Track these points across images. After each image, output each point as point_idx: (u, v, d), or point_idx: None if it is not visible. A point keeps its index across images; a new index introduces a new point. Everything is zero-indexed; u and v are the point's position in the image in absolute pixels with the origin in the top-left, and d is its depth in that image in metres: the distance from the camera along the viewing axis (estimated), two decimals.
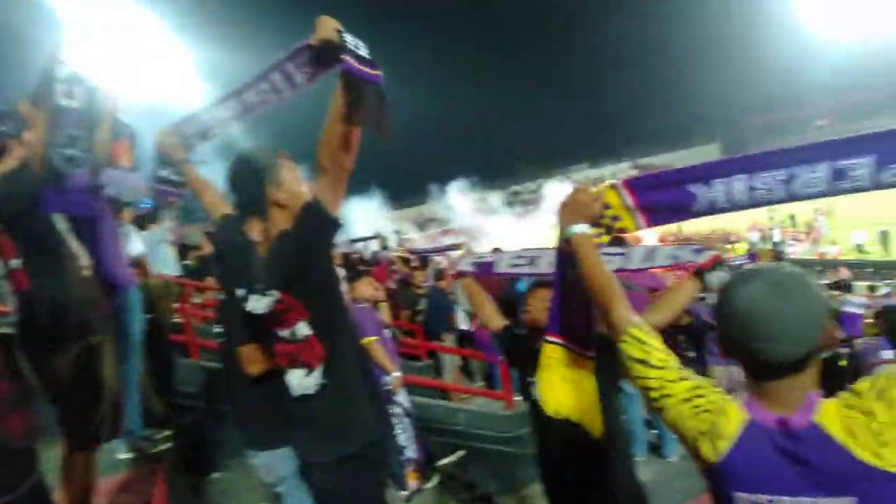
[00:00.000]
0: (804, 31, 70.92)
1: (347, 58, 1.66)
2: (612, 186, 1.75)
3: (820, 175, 1.39)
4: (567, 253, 1.69)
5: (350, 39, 1.71)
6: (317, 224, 1.84)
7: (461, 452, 5.06)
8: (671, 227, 34.27)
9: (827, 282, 19.34)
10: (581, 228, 1.64)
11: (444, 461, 4.94)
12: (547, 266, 2.60)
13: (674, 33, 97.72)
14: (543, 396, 2.05)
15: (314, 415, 1.90)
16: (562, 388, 2.00)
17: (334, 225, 1.87)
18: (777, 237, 27.61)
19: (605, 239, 1.79)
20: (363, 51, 1.72)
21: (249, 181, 1.93)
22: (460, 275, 3.09)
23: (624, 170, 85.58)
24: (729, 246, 29.48)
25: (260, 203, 1.91)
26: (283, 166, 1.96)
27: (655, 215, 1.71)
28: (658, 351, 1.40)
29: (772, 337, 1.18)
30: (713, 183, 1.55)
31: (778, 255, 6.88)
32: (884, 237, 22.25)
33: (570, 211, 1.68)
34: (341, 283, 2.83)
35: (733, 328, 1.25)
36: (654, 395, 1.36)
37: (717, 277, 2.10)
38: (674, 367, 1.38)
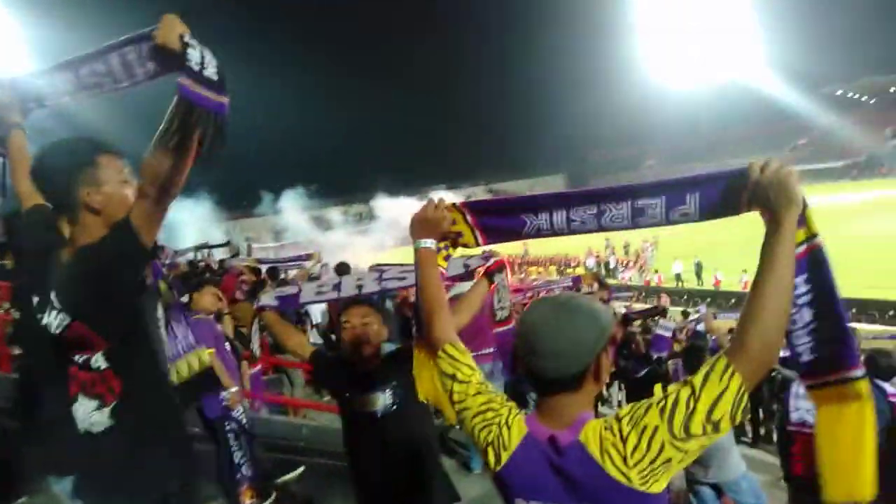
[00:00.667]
0: (646, 77, 79.01)
1: (185, 79, 1.47)
2: (455, 206, 1.87)
3: (623, 211, 1.63)
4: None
5: (195, 55, 1.49)
6: (124, 251, 1.61)
7: (301, 469, 4.90)
8: (518, 250, 35.91)
9: (648, 307, 21.22)
10: (427, 243, 1.76)
11: (283, 478, 4.76)
12: (352, 289, 2.88)
13: (533, 71, 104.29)
14: (418, 388, 2.05)
15: (98, 456, 1.67)
16: (427, 379, 2.01)
17: (144, 255, 1.65)
18: (612, 263, 29.86)
19: (452, 251, 1.91)
20: (210, 69, 1.50)
21: (58, 176, 1.66)
22: (261, 310, 2.97)
23: (479, 193, 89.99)
24: (569, 270, 31.45)
25: (67, 203, 1.67)
26: (105, 164, 1.70)
27: (490, 235, 1.90)
28: (466, 367, 1.53)
29: (546, 354, 1.31)
30: (539, 212, 1.76)
31: (599, 280, 7.31)
32: (698, 268, 24.78)
33: (419, 226, 1.78)
34: (158, 315, 2.49)
35: (519, 344, 1.38)
36: (457, 407, 1.49)
37: (499, 277, 2.73)
38: (475, 382, 1.50)
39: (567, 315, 1.32)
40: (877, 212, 36.81)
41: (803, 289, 1.42)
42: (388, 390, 2.57)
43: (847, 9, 79.47)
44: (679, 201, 1.56)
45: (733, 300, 20.83)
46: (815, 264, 1.42)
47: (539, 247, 36.95)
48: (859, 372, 1.40)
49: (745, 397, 1.21)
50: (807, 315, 1.44)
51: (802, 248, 1.41)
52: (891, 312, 16.76)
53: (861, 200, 43.84)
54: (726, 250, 29.38)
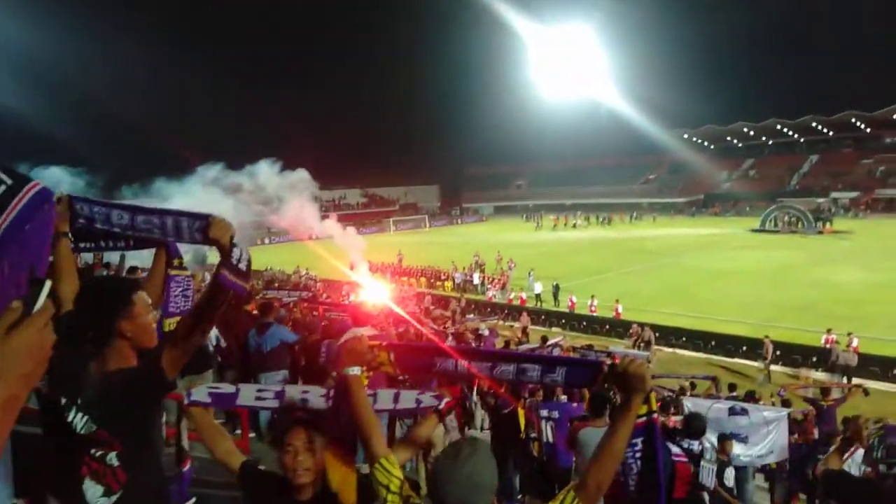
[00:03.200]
0: (525, 101, 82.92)
1: (226, 271, 1.96)
2: (382, 346, 2.24)
3: (510, 369, 2.15)
4: (342, 388, 2.10)
5: (237, 253, 2.01)
6: (152, 384, 1.98)
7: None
8: (393, 259, 36.25)
9: (517, 325, 22.45)
10: (355, 371, 2.02)
11: None
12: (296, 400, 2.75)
13: (419, 84, 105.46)
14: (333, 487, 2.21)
15: None
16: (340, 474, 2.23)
17: (166, 387, 2.02)
18: (477, 280, 31.02)
19: (370, 375, 2.22)
20: (243, 263, 2.02)
21: (102, 309, 1.96)
22: (192, 405, 2.67)
23: (353, 195, 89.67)
24: (439, 283, 32.27)
25: (105, 330, 1.95)
26: (137, 301, 2.00)
27: (406, 368, 2.31)
28: (396, 479, 1.80)
29: (452, 499, 1.60)
30: (447, 360, 2.23)
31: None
32: (556, 290, 26.53)
33: (349, 356, 2.04)
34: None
35: (429, 487, 1.70)
36: None
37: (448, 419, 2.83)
38: (404, 493, 1.77)
39: (471, 462, 1.62)
40: (709, 247, 41.52)
41: (639, 446, 1.96)
42: None
43: (698, 63, 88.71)
44: (550, 371, 2.11)
45: (584, 322, 22.58)
46: (650, 430, 1.94)
47: (412, 259, 37.65)
48: None
49: None
50: (638, 463, 1.99)
51: (644, 419, 1.92)
52: (713, 343, 18.99)
53: (696, 235, 49.11)
54: (581, 276, 31.75)
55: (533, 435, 5.84)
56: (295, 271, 32.50)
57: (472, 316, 24.91)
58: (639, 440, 1.93)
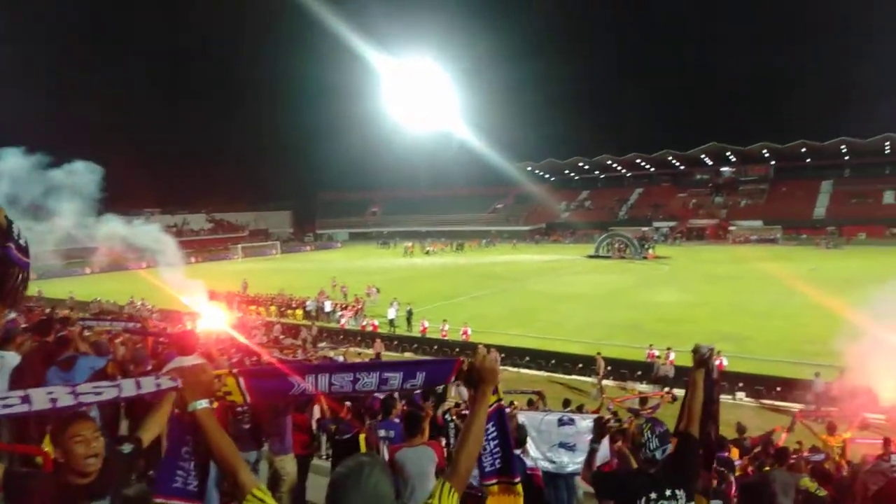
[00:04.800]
0: (382, 130, 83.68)
1: (11, 245, 1.95)
2: (231, 374, 2.10)
3: (372, 380, 2.14)
4: (189, 422, 1.96)
5: (15, 228, 1.98)
6: None
7: None
8: (237, 287, 34.61)
9: (371, 351, 22.34)
10: (203, 404, 1.89)
11: None
12: (45, 402, 2.34)
13: (273, 110, 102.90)
14: None
15: None
16: None
17: None
18: (328, 307, 30.52)
19: (215, 404, 2.02)
20: (23, 239, 2.01)
21: None
22: None
23: (197, 220, 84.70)
24: (290, 311, 31.28)
25: None
26: None
27: (259, 395, 2.18)
28: None
29: None
30: (307, 377, 2.13)
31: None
32: (409, 315, 26.89)
33: (193, 388, 1.90)
34: None
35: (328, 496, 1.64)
36: None
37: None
38: None
39: (374, 474, 1.64)
40: (550, 272, 44.38)
41: (492, 430, 2.20)
42: (107, 498, 2.59)
43: (540, 102, 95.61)
44: (411, 376, 2.17)
45: (435, 346, 23.07)
46: (499, 416, 2.21)
47: (263, 287, 36.22)
48: (517, 479, 2.27)
49: None
50: (492, 444, 2.22)
51: (494, 406, 2.18)
52: (553, 361, 20.29)
53: (539, 261, 52.33)
54: (433, 301, 32.46)
55: None
56: (129, 302, 29.96)
57: (323, 344, 24.48)
58: (490, 424, 2.16)
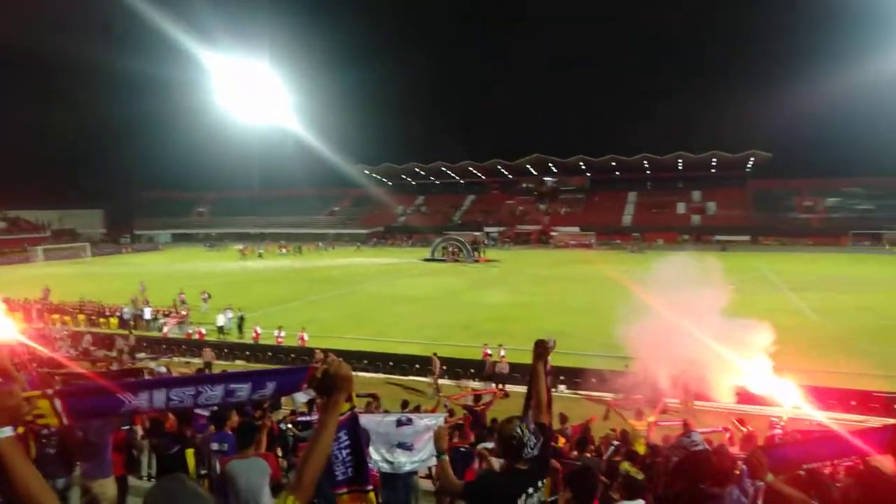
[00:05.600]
0: (211, 127, 78.45)
1: None
2: (46, 395, 1.78)
3: (217, 392, 1.98)
4: None
5: None
6: None
7: None
8: (38, 294, 30.58)
9: (199, 360, 20.82)
10: (6, 432, 1.54)
11: None
12: None
13: (84, 102, 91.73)
14: None
15: None
16: None
17: None
18: (148, 314, 28.03)
19: (21, 429, 1.71)
20: None
21: None
22: None
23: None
24: (103, 320, 28.22)
25: None
26: None
27: (81, 415, 1.92)
28: None
29: None
30: (140, 393, 1.89)
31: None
32: (240, 321, 25.55)
33: None
34: None
35: None
36: None
37: None
38: None
39: (186, 492, 1.61)
40: (387, 275, 44.75)
41: (344, 438, 2.17)
42: None
43: (377, 104, 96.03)
44: (260, 386, 2.03)
45: (270, 352, 22.14)
46: (353, 424, 2.18)
47: (69, 293, 32.31)
48: (370, 487, 2.24)
49: None
50: (344, 452, 2.19)
51: (347, 414, 2.14)
52: (391, 363, 20.45)
53: (377, 264, 52.57)
54: (267, 306, 31.21)
55: (203, 472, 5.47)
56: None
57: (143, 355, 22.42)
58: (342, 433, 2.12)
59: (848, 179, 70.68)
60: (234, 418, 5.61)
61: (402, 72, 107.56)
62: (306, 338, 22.47)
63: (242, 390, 2.00)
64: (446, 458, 3.27)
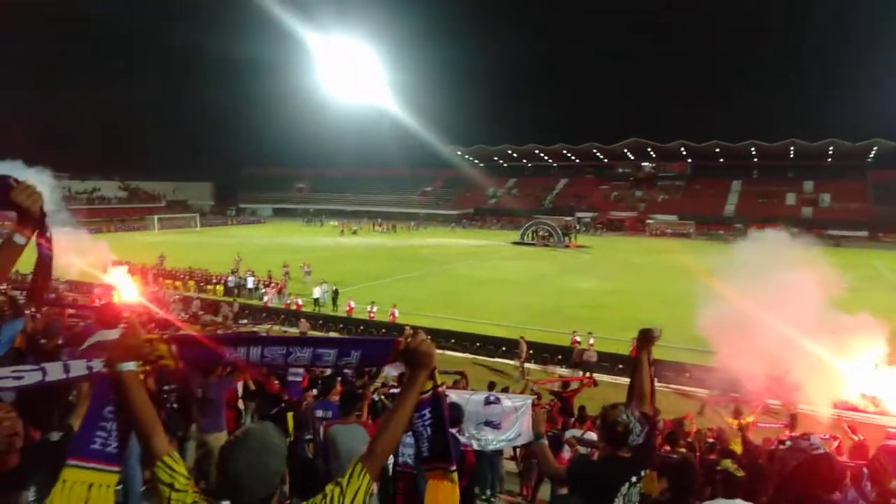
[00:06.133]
0: (313, 107, 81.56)
1: (44, 241, 2.01)
2: (163, 339, 2.03)
3: (305, 354, 2.10)
4: (114, 383, 1.89)
5: (47, 221, 1.98)
6: None
7: None
8: (153, 262, 33.11)
9: (296, 330, 21.94)
10: (130, 366, 1.85)
11: None
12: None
13: (196, 79, 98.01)
14: None
15: None
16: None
17: None
18: (251, 284, 29.71)
19: (146, 368, 1.98)
20: (49, 231, 2.03)
21: None
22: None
23: (109, 187, 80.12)
24: (210, 287, 30.19)
25: None
26: None
27: (190, 360, 2.15)
28: (182, 476, 1.71)
29: (235, 484, 1.64)
30: (239, 348, 2.10)
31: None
32: (335, 294, 26.60)
33: (122, 352, 1.86)
34: None
35: (217, 468, 1.70)
36: None
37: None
38: (191, 491, 1.69)
39: (259, 431, 1.73)
40: (476, 256, 44.97)
41: (428, 415, 2.14)
42: (32, 487, 2.47)
43: (470, 87, 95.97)
44: (346, 354, 2.10)
45: (361, 327, 22.94)
46: (436, 402, 2.13)
47: (180, 261, 34.81)
48: (453, 467, 2.21)
49: (372, 489, 1.81)
50: (429, 430, 2.16)
51: (429, 393, 2.09)
52: (478, 344, 20.65)
53: (466, 245, 52.91)
54: (360, 282, 32.24)
55: (308, 437, 5.80)
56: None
57: (245, 321, 23.85)
58: (426, 411, 2.11)
59: None
60: (338, 388, 5.90)
61: (497, 52, 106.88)
62: (397, 314, 23.07)
63: (329, 356, 2.11)
64: (545, 441, 3.27)
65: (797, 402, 11.74)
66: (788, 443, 5.14)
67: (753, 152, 73.16)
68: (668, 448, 7.11)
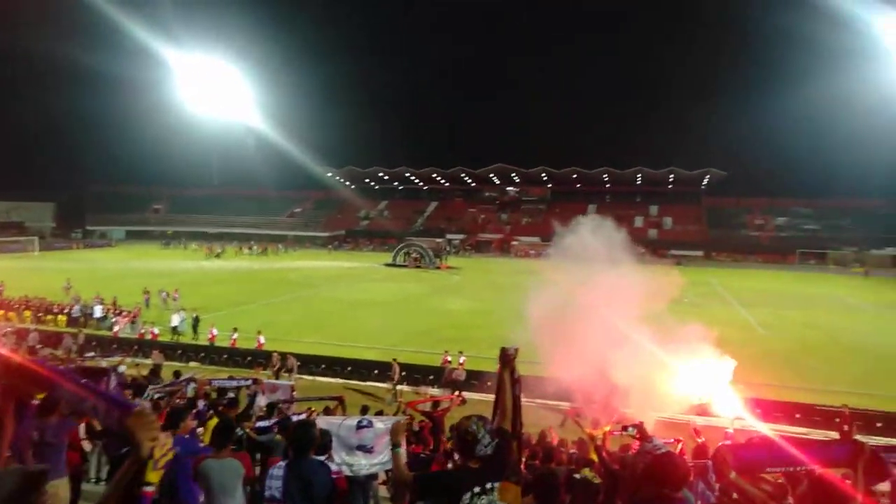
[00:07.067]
0: (168, 124, 76.48)
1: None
2: None
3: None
4: None
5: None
6: None
7: None
8: None
9: (151, 362, 20.25)
10: None
11: None
12: None
13: (34, 93, 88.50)
14: None
15: None
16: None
17: None
18: (99, 312, 27.19)
19: None
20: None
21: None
22: None
23: None
24: (50, 317, 27.20)
25: None
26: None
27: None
28: None
29: None
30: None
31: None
32: (195, 322, 25.01)
33: None
34: None
35: None
36: None
37: None
38: None
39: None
40: (347, 279, 44.44)
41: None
42: None
43: (341, 108, 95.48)
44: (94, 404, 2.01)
45: (225, 355, 21.73)
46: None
47: (8, 288, 31.17)
48: None
49: None
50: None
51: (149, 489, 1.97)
52: (349, 368, 20.31)
53: (336, 268, 52.19)
54: (223, 308, 30.66)
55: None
56: None
57: (92, 354, 21.75)
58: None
59: (797, 200, 73.55)
60: (189, 422, 5.55)
61: (370, 75, 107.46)
62: (263, 340, 22.15)
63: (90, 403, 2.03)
64: (401, 450, 3.36)
65: (648, 409, 12.73)
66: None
67: (606, 178, 79.27)
68: (537, 463, 7.41)
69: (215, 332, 23.45)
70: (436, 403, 12.34)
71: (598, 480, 4.35)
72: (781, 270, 58.54)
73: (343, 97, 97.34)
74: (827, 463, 3.55)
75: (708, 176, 74.15)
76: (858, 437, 11.58)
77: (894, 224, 64.82)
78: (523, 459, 8.29)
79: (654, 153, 76.71)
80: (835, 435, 14.13)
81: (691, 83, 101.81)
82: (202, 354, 22.14)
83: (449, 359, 19.70)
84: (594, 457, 8.45)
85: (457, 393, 16.72)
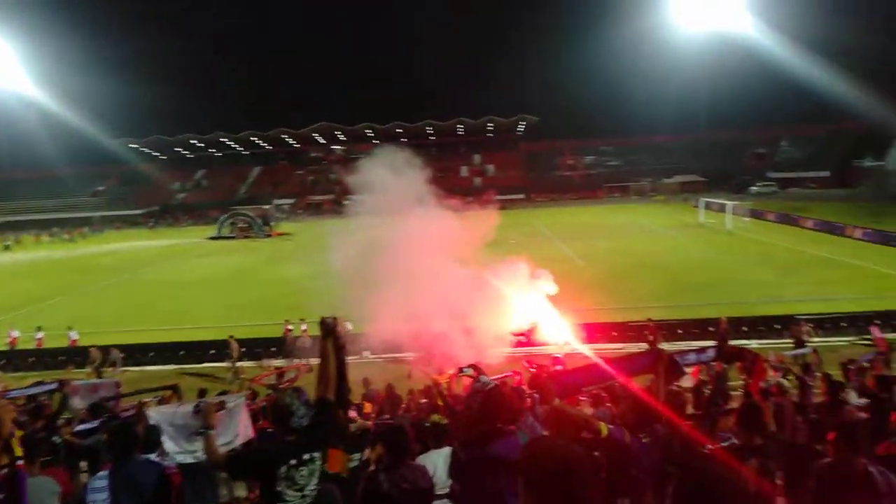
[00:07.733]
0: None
1: None
2: None
3: None
4: None
5: None
6: None
7: None
8: None
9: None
10: None
11: None
12: None
13: None
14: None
15: None
16: None
17: None
18: None
19: None
20: None
21: None
22: None
23: None
24: None
25: None
26: None
27: None
28: None
29: None
30: None
31: None
32: None
33: None
34: None
35: None
36: None
37: None
38: None
39: None
40: (170, 258, 41.22)
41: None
42: None
43: (139, 71, 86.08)
44: None
45: (32, 358, 19.28)
46: (13, 483, 1.88)
47: None
48: None
49: None
50: None
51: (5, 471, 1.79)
52: (182, 352, 19.02)
53: (156, 247, 48.12)
54: (23, 306, 27.11)
55: None
56: None
57: None
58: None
59: (602, 139, 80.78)
60: None
61: (167, 36, 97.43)
62: (75, 336, 19.91)
63: None
64: (212, 432, 3.31)
65: (484, 347, 13.53)
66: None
67: (430, 131, 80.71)
68: (386, 417, 7.57)
69: (15, 333, 20.62)
70: (281, 375, 12.03)
71: (445, 422, 4.56)
72: (593, 205, 64.38)
73: (136, 63, 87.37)
74: (635, 372, 4.05)
75: (523, 122, 78.47)
76: (663, 345, 13.30)
77: (680, 156, 74.28)
78: (372, 416, 8.45)
79: (473, 104, 79.24)
80: (645, 346, 16.12)
81: (489, 37, 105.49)
82: (3, 361, 19.44)
83: (290, 327, 19.21)
84: (441, 402, 8.84)
85: (303, 361, 16.44)
